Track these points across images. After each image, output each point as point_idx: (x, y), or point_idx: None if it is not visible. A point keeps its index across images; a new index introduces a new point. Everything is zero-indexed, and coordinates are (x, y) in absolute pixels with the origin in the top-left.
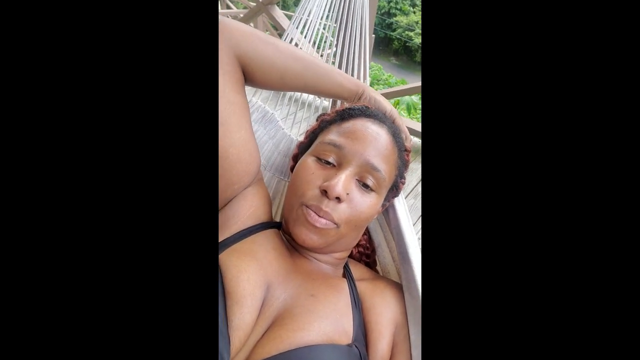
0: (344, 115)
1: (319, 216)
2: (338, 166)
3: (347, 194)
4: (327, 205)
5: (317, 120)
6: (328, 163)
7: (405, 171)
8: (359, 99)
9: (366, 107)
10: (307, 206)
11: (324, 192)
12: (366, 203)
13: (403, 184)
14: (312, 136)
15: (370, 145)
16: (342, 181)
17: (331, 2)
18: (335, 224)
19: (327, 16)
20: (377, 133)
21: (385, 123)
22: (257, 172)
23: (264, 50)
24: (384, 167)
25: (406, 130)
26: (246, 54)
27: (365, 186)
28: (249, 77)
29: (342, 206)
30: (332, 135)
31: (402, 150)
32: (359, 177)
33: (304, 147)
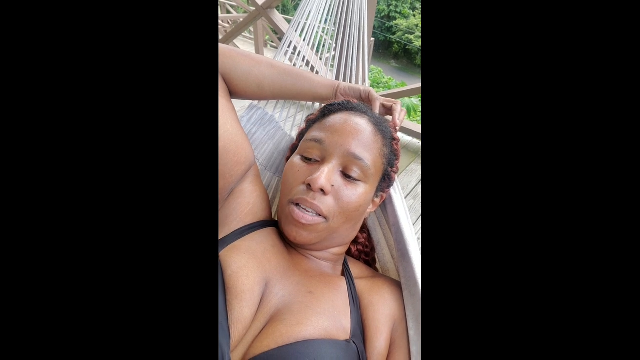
0: (325, 112)
1: (304, 212)
2: (322, 161)
3: (332, 185)
4: (313, 198)
5: (305, 121)
6: (312, 160)
7: (397, 160)
8: (336, 92)
9: (347, 101)
10: (293, 203)
11: (309, 186)
12: (354, 194)
13: (395, 172)
14: (301, 136)
15: (350, 135)
16: (325, 174)
17: (330, 6)
18: (323, 217)
19: (326, 20)
20: (356, 124)
21: (367, 114)
22: (250, 164)
23: (241, 61)
24: (367, 156)
25: (384, 100)
26: (225, 65)
27: (350, 177)
28: (231, 90)
29: (329, 198)
30: (314, 132)
31: (387, 139)
32: (342, 169)
33: (294, 148)
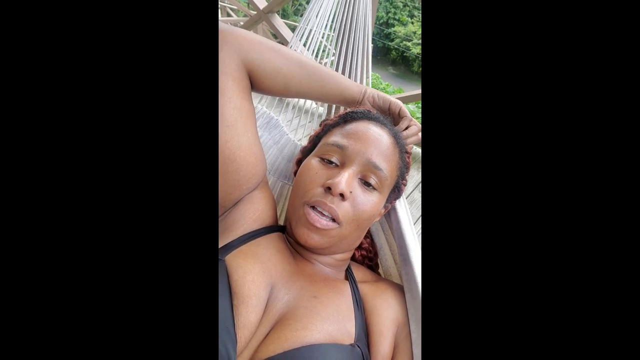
0: (346, 118)
1: (322, 214)
2: (341, 166)
3: (350, 192)
4: (332, 201)
5: (320, 125)
6: (331, 163)
7: (407, 173)
8: (363, 98)
9: (368, 110)
10: (309, 205)
11: (328, 189)
12: (369, 202)
13: (404, 185)
14: (316, 140)
15: (373, 145)
16: (346, 179)
17: (335, 13)
18: (337, 222)
19: (331, 26)
20: (379, 134)
21: (387, 126)
22: (263, 175)
23: (271, 57)
24: (386, 167)
25: (410, 117)
26: (254, 61)
27: (367, 185)
28: (255, 84)
29: (346, 204)
30: (335, 137)
31: (403, 152)
32: (361, 176)
33: (307, 152)
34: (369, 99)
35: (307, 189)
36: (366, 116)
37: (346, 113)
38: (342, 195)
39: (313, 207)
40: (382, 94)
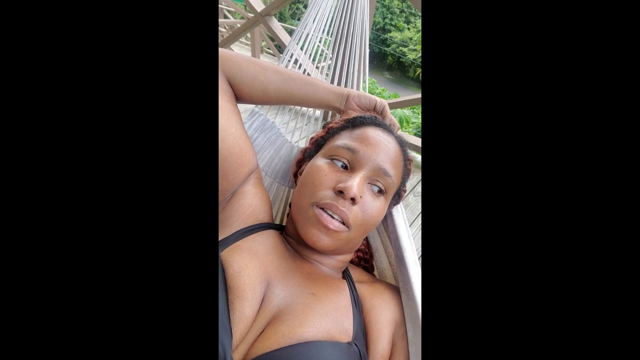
0: (355, 122)
1: (332, 217)
2: (351, 169)
3: (361, 196)
4: (343, 205)
5: (323, 127)
6: (341, 165)
7: (407, 180)
8: (347, 100)
9: (375, 116)
10: (319, 206)
11: (339, 193)
12: (377, 207)
13: (404, 192)
14: (321, 141)
15: (383, 151)
16: (357, 183)
17: (332, 17)
18: (347, 226)
19: (328, 31)
20: (387, 141)
21: (393, 133)
22: (253, 167)
23: (247, 66)
24: (394, 173)
25: (391, 117)
26: (231, 70)
27: (376, 190)
28: (237, 94)
29: (356, 208)
30: (346, 140)
31: (406, 159)
32: (370, 182)
33: (310, 153)
34: (354, 100)
35: (316, 190)
36: (374, 122)
37: (354, 117)
38: (352, 200)
39: (323, 209)
40: (366, 94)
